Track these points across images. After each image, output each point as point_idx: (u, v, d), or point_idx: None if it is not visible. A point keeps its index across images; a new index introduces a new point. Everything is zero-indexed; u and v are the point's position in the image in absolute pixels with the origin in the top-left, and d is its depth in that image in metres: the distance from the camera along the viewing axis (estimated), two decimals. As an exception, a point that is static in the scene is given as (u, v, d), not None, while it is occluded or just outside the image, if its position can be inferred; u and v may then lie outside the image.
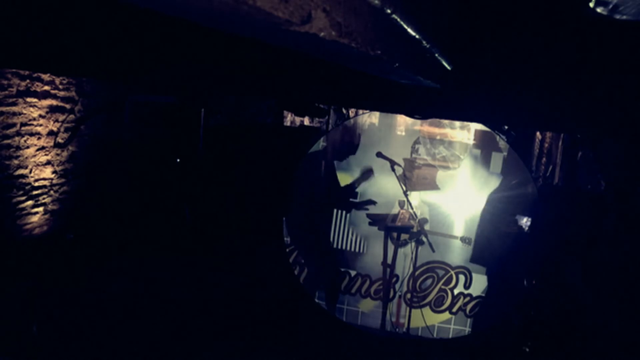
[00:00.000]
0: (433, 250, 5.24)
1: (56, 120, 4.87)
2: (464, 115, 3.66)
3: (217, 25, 0.99)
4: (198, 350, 4.44)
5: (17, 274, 4.43)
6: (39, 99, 4.64)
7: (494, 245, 5.25)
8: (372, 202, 5.47)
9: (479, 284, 5.44)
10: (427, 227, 5.38)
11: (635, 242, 4.63)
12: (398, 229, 5.21)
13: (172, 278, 5.33)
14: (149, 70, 3.25)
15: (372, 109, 5.15)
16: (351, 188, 5.56)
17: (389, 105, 3.58)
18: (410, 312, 5.43)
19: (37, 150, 4.72)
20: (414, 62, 1.83)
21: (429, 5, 1.69)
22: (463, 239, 5.41)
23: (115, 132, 5.51)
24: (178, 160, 5.56)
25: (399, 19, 1.32)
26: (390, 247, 5.29)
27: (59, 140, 4.94)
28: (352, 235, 5.66)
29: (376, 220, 5.37)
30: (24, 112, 4.51)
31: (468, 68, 2.73)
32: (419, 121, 5.37)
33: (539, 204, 5.18)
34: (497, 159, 5.40)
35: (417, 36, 1.54)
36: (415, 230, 5.23)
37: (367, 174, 5.47)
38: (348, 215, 5.66)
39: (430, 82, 2.40)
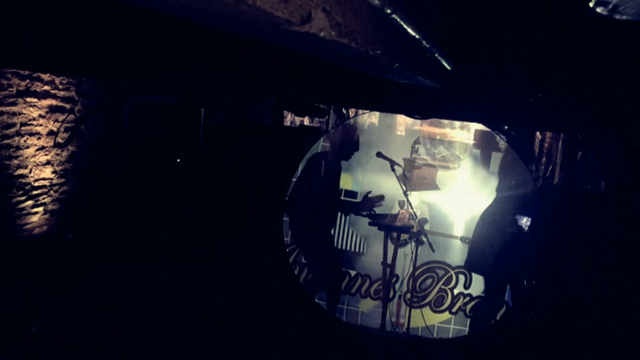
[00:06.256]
0: (433, 250, 5.24)
1: (56, 120, 4.87)
2: (464, 115, 3.66)
3: (217, 25, 0.99)
4: (198, 351, 4.44)
5: (17, 274, 4.43)
6: (39, 99, 4.64)
7: (493, 247, 5.25)
8: (373, 213, 5.47)
9: (479, 284, 5.44)
10: (427, 227, 5.38)
11: (635, 242, 4.62)
12: (398, 229, 5.21)
13: (172, 278, 5.33)
14: (148, 70, 3.26)
15: (372, 109, 5.15)
16: (355, 207, 5.56)
17: (389, 105, 3.59)
18: (410, 312, 5.43)
19: (37, 150, 4.72)
20: (414, 62, 1.83)
21: (429, 5, 1.69)
22: (463, 239, 5.41)
23: (115, 132, 5.51)
24: (178, 160, 5.55)
25: (399, 19, 1.32)
26: (390, 247, 5.29)
27: (59, 140, 4.94)
28: (352, 235, 5.66)
29: (376, 220, 5.36)
30: (24, 112, 4.51)
31: (468, 68, 2.73)
32: (419, 121, 5.37)
33: (538, 204, 5.18)
34: (497, 159, 5.40)
35: (417, 36, 1.54)
36: (415, 230, 5.22)
37: (378, 200, 5.47)
38: (348, 215, 5.66)
39: (430, 82, 2.40)
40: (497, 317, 5.37)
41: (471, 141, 5.47)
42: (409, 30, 1.44)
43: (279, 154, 5.70)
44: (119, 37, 3.05)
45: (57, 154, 4.95)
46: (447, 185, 5.48)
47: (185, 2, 0.77)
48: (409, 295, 5.49)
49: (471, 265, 5.32)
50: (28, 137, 4.60)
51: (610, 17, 1.46)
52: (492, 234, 5.21)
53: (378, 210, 5.49)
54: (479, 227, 5.23)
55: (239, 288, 5.39)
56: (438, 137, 5.49)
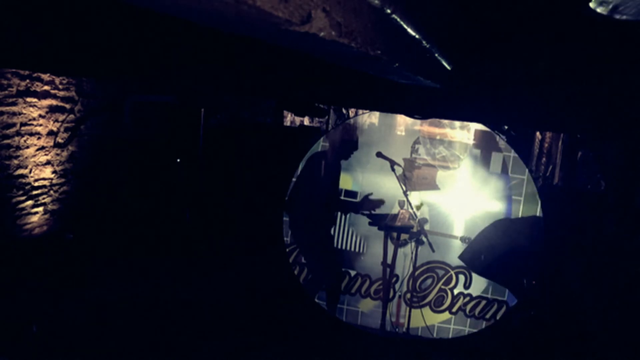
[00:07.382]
0: (433, 250, 5.24)
1: (56, 120, 4.87)
2: (464, 115, 3.66)
3: (217, 25, 0.99)
4: (198, 350, 4.44)
5: (17, 274, 4.43)
6: (39, 99, 4.64)
7: (494, 247, 5.25)
8: (373, 213, 5.47)
9: (479, 284, 5.44)
10: (427, 227, 5.38)
11: (635, 243, 4.62)
12: (398, 229, 5.21)
13: (172, 278, 5.33)
14: (149, 70, 3.26)
15: (372, 109, 5.15)
16: (355, 207, 5.57)
17: (389, 105, 3.58)
18: (410, 312, 5.43)
19: (37, 150, 4.72)
20: (413, 62, 1.83)
21: (429, 5, 1.69)
22: (463, 239, 5.41)
23: (115, 132, 5.51)
24: (178, 160, 5.56)
25: (399, 19, 1.32)
26: (390, 247, 5.29)
27: (59, 140, 4.94)
28: (352, 235, 5.66)
29: (376, 220, 5.36)
30: (24, 112, 4.51)
31: (468, 68, 2.73)
32: (419, 121, 5.37)
33: (538, 204, 5.18)
34: (497, 159, 5.40)
35: (417, 36, 1.54)
36: (415, 230, 5.22)
37: (378, 204, 5.48)
38: (348, 215, 5.66)
39: (430, 82, 2.40)
40: (497, 317, 5.37)
41: (471, 141, 5.47)
42: (409, 30, 1.45)
43: (279, 154, 5.70)
44: (119, 36, 3.05)
45: (57, 154, 4.95)
46: (447, 185, 5.48)
47: (185, 2, 0.77)
48: (409, 295, 5.49)
49: (465, 258, 5.35)
50: (28, 137, 4.60)
51: (610, 17, 1.46)
52: (494, 234, 5.22)
53: (378, 210, 5.50)
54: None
55: (239, 288, 5.39)
56: (438, 137, 5.49)
